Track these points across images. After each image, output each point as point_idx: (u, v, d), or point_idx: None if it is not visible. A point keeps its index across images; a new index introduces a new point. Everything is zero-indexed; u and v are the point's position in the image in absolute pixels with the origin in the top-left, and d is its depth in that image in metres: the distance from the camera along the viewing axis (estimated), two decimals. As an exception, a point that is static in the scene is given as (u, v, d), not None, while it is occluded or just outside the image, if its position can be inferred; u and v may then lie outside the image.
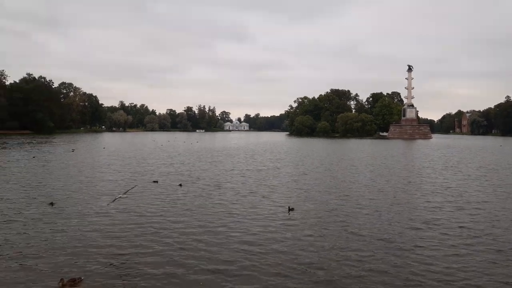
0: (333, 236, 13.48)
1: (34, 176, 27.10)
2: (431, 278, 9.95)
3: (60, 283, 9.00)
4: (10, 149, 56.13)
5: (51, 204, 17.61)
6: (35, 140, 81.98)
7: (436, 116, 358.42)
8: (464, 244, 12.65)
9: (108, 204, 14.98)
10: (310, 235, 13.53)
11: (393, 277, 10.00)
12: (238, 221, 15.30)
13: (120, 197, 15.81)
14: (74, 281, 9.15)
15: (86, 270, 10.13)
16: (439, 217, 16.38)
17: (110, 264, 10.60)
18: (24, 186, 22.70)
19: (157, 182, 25.13)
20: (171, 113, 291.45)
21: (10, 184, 23.52)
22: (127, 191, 15.80)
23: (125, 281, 9.57)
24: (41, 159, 41.06)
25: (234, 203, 18.76)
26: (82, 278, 9.40)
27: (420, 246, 12.43)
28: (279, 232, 13.83)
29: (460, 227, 14.81)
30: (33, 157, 42.47)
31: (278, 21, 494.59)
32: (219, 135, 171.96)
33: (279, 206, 18.05)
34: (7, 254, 11.32)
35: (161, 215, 15.98)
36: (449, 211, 17.74)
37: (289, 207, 17.56)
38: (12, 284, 9.35)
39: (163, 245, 12.28)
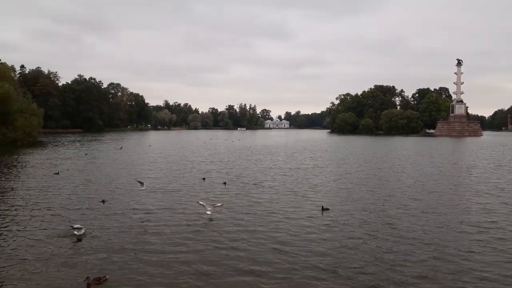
0: (377, 239, 12.88)
1: (87, 173, 28.38)
2: (486, 288, 9.22)
3: (86, 281, 9.10)
4: (62, 146, 59.39)
5: (103, 201, 18.18)
6: (86, 138, 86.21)
7: (487, 113, 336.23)
8: (523, 252, 11.65)
9: (207, 213, 15.58)
10: (351, 238, 13.02)
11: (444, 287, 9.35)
12: (277, 221, 15.04)
13: (217, 205, 16.39)
14: (99, 280, 9.23)
15: (113, 269, 10.17)
16: (494, 221, 15.25)
17: (140, 263, 10.59)
18: (79, 184, 23.58)
19: (204, 179, 25.70)
20: (213, 112, 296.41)
21: (66, 181, 24.68)
22: (216, 205, 16.30)
23: (152, 280, 9.51)
24: (93, 156, 43.08)
25: (273, 202, 18.54)
26: (107, 277, 9.47)
27: (473, 253, 11.58)
28: (318, 233, 13.44)
29: (518, 232, 13.70)
30: (86, 154, 44.87)
31: (317, 17, 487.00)
32: (259, 133, 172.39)
33: (319, 206, 17.60)
34: (41, 251, 11.56)
35: (199, 213, 16.00)
36: (505, 214, 16.52)
37: (322, 206, 17.05)
38: (39, 281, 9.53)
39: (198, 243, 12.23)
